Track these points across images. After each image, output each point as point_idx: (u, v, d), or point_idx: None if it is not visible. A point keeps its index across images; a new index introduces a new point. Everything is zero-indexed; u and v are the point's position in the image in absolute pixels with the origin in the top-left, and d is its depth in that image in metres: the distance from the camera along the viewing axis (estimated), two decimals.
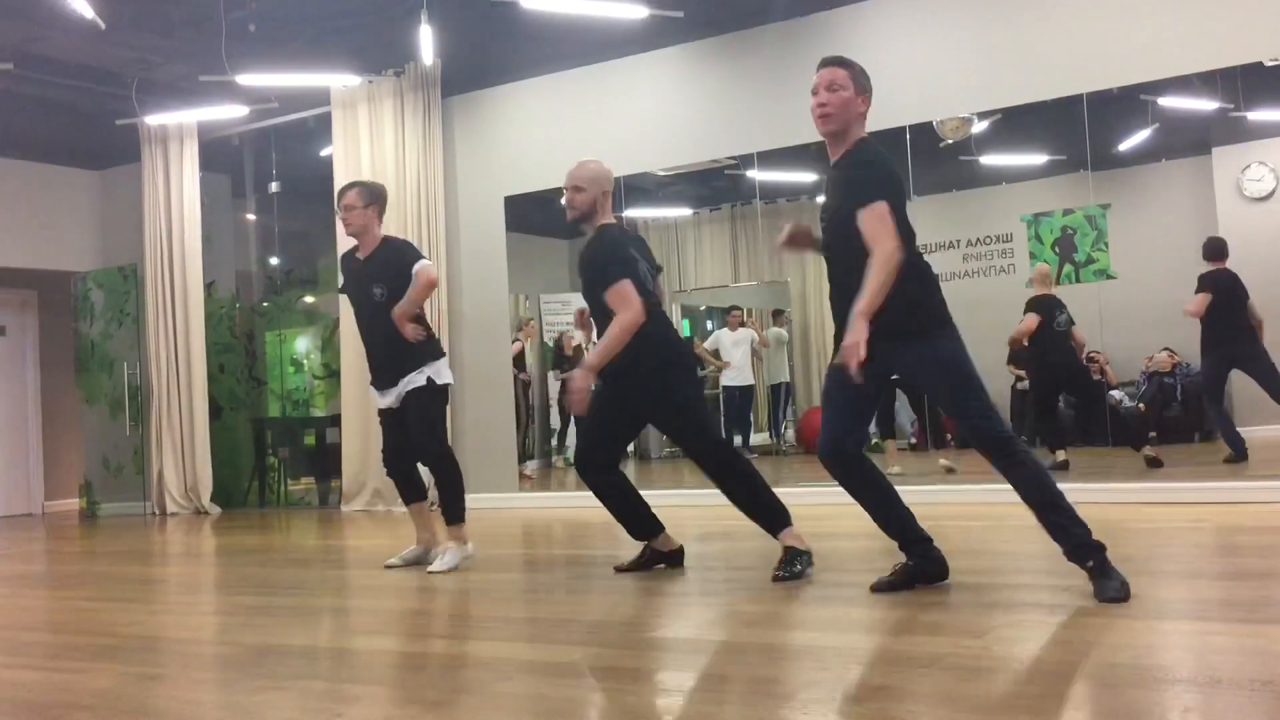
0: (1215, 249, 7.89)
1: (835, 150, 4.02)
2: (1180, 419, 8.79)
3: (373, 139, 9.54)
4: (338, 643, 3.95)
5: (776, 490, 4.76)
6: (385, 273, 5.40)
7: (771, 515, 4.67)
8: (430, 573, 5.23)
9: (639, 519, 5.00)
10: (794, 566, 4.45)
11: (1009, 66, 7.33)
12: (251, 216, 11.87)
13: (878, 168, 3.90)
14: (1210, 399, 7.89)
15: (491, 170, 9.30)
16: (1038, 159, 9.40)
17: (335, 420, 10.07)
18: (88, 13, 7.54)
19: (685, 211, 11.39)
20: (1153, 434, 8.93)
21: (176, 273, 10.63)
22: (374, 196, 5.53)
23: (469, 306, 9.34)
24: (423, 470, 5.67)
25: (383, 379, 5.47)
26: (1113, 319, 8.33)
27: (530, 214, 9.69)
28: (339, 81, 9.38)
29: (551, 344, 11.81)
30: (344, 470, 9.71)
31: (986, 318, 8.47)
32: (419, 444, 5.41)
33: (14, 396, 11.96)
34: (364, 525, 8.41)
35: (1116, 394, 9.21)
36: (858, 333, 3.62)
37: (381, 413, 5.55)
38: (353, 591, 5.23)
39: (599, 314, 4.81)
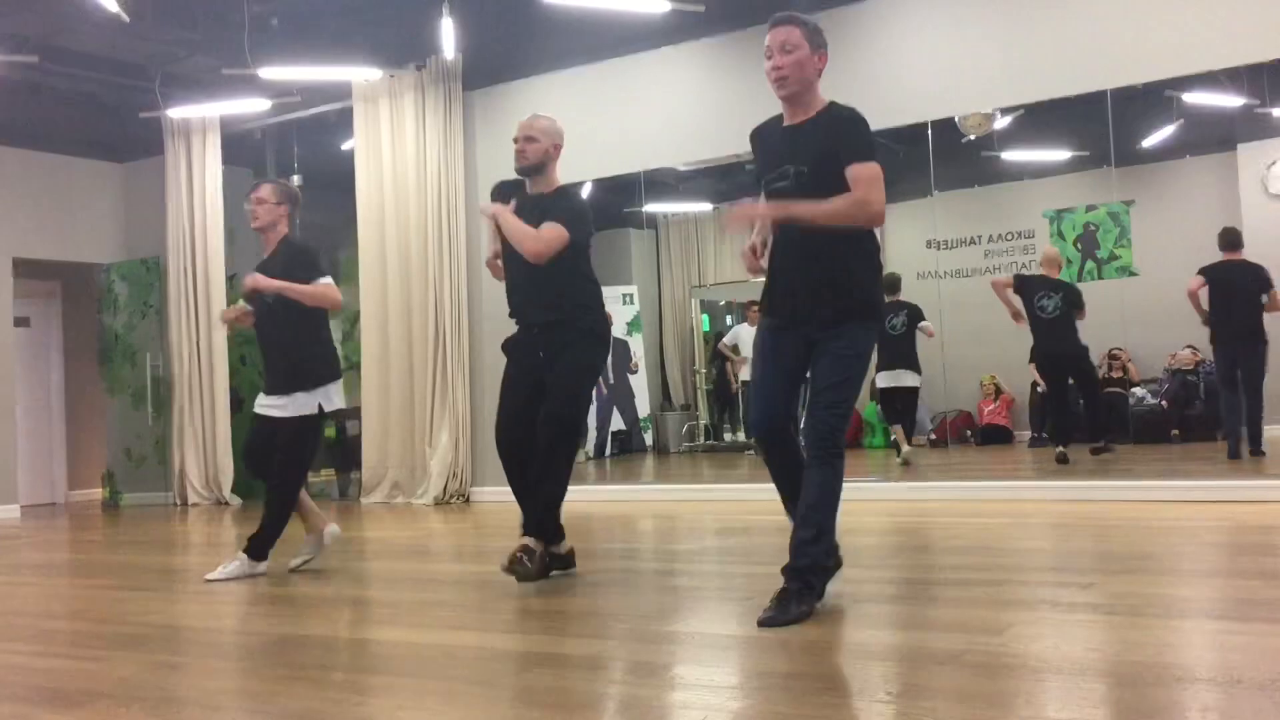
0: (1225, 240, 7.74)
1: (795, 113, 3.80)
2: (1203, 417, 8.73)
3: (394, 133, 9.56)
4: (357, 633, 3.97)
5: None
6: (276, 276, 5.31)
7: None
8: (207, 579, 5.08)
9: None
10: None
11: (1032, 62, 7.28)
12: None
13: (867, 128, 3.71)
14: (1224, 395, 7.75)
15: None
16: (1061, 155, 9.35)
17: (355, 413, 10.10)
18: (112, 6, 7.59)
19: (706, 206, 11.38)
20: (1175, 431, 8.87)
21: (199, 265, 10.69)
22: (287, 196, 5.54)
23: (489, 300, 9.35)
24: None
25: (273, 384, 5.27)
26: (1135, 316, 8.27)
27: None
28: (361, 75, 9.40)
29: None
30: (364, 462, 9.75)
31: (1007, 313, 8.42)
32: (278, 471, 5.22)
33: (38, 387, 12.06)
34: (383, 517, 8.44)
35: (1139, 391, 9.15)
36: (772, 207, 3.70)
37: (258, 416, 5.32)
38: (372, 582, 5.25)
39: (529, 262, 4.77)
